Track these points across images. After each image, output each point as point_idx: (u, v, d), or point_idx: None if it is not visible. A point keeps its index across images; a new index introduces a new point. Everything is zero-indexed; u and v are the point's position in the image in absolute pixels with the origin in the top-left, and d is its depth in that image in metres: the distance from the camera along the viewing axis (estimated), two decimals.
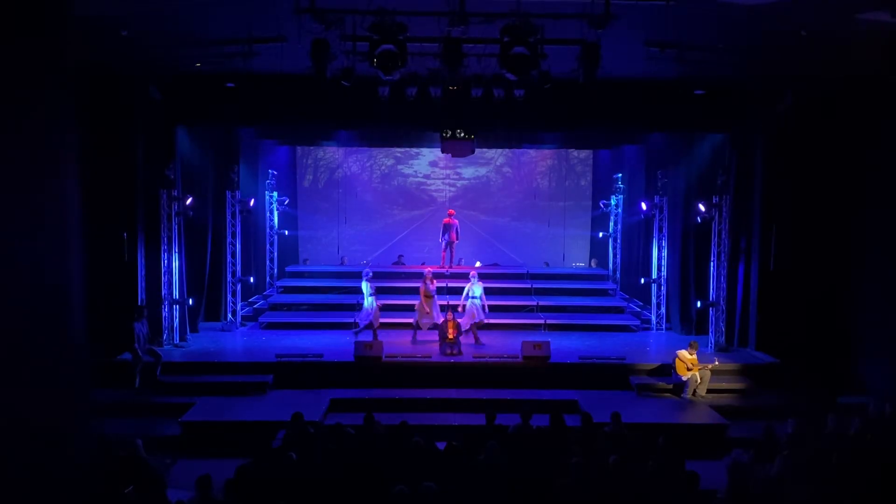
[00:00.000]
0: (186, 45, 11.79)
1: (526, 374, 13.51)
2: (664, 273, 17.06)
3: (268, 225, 19.38)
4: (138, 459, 8.35)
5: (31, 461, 5.72)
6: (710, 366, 13.27)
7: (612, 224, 20.46)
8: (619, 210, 20.14)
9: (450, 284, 16.53)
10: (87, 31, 9.88)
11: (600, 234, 21.06)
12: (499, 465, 8.09)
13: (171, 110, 14.35)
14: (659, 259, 17.13)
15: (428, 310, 14.99)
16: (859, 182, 13.96)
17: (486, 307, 15.43)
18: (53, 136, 6.05)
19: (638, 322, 17.17)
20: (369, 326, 15.07)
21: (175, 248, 15.00)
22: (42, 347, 5.88)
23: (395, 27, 8.65)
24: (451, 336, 14.18)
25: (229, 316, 16.72)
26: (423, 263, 20.10)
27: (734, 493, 8.08)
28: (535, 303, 17.46)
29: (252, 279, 17.70)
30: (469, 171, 22.23)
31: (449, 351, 14.07)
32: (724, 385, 13.46)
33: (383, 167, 22.30)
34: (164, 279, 14.86)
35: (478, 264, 20.16)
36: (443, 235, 18.99)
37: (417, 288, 15.33)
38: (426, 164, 22.16)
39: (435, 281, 15.36)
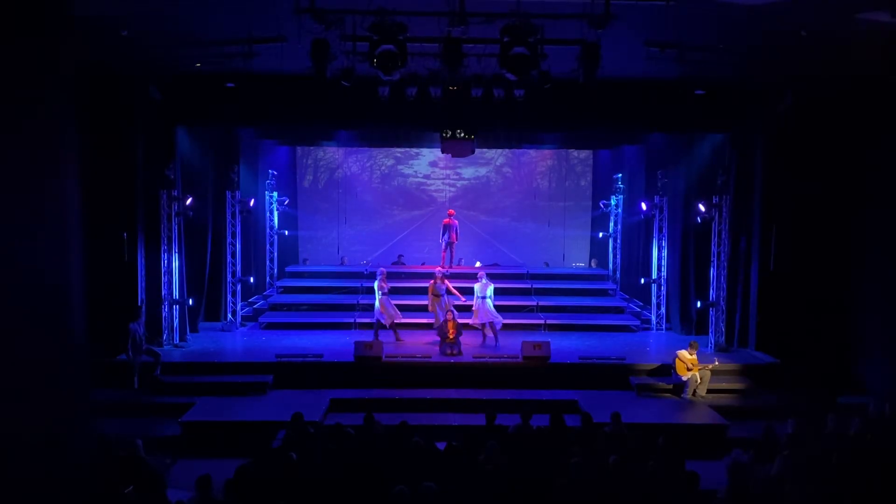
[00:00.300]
0: (186, 45, 11.77)
1: (526, 374, 13.51)
2: (664, 273, 17.06)
3: (268, 225, 19.39)
4: (138, 459, 8.35)
5: (31, 461, 5.72)
6: (710, 366, 13.26)
7: (612, 224, 20.46)
8: (619, 210, 20.14)
9: (449, 285, 16.46)
10: (87, 31, 9.86)
11: (600, 235, 21.06)
12: (499, 465, 8.09)
13: (171, 110, 14.33)
14: (659, 259, 17.12)
15: (433, 309, 14.98)
16: (859, 182, 13.98)
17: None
18: (53, 136, 6.05)
19: (638, 322, 17.16)
20: (380, 325, 14.98)
21: (175, 249, 15.00)
22: (42, 347, 5.88)
23: (395, 27, 8.64)
24: (451, 336, 14.17)
25: (229, 316, 16.72)
26: (422, 263, 20.15)
27: (734, 494, 8.06)
28: (535, 303, 17.45)
29: (252, 279, 17.71)
30: (469, 171, 22.23)
31: (449, 351, 14.06)
32: (724, 385, 13.46)
33: (383, 167, 22.30)
34: (164, 279, 14.86)
35: (478, 264, 20.16)
36: (443, 236, 18.94)
37: (417, 288, 15.27)
38: (426, 164, 22.15)
39: (446, 281, 15.11)
